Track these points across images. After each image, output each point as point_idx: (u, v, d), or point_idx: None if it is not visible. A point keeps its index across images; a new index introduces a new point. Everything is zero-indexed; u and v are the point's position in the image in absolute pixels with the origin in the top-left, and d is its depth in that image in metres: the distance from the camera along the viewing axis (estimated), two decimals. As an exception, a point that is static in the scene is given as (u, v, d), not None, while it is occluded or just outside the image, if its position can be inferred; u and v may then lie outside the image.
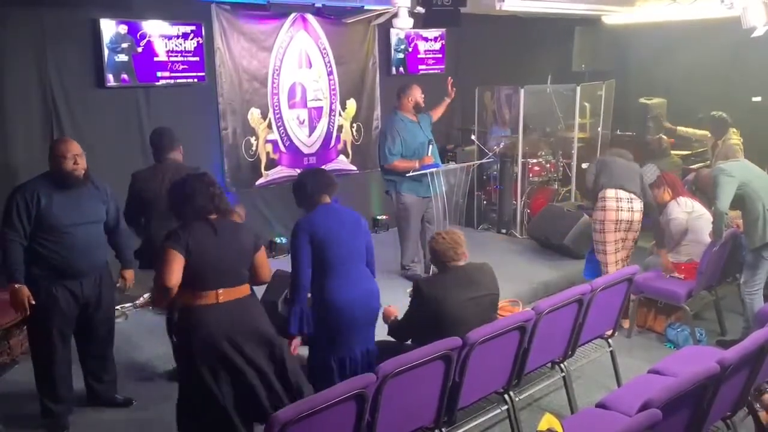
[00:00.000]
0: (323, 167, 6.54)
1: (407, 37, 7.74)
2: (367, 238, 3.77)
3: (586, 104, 7.89)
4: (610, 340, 4.36)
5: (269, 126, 6.67)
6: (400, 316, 3.83)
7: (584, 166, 7.38)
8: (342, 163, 7.36)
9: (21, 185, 3.73)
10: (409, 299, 3.68)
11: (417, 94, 5.68)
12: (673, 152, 7.37)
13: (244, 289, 3.19)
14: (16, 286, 3.62)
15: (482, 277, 3.68)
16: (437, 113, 6.10)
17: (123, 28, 5.44)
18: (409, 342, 3.77)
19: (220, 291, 3.08)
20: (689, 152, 7.71)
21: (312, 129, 7.04)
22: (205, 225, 3.12)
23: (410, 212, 5.76)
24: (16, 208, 3.62)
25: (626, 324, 5.18)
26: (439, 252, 3.61)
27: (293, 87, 6.84)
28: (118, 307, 5.41)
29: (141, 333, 5.12)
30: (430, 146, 5.72)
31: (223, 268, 3.10)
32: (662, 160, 6.72)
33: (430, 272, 5.51)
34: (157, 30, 5.65)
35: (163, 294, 3.05)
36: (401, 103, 5.71)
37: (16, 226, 3.61)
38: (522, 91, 7.21)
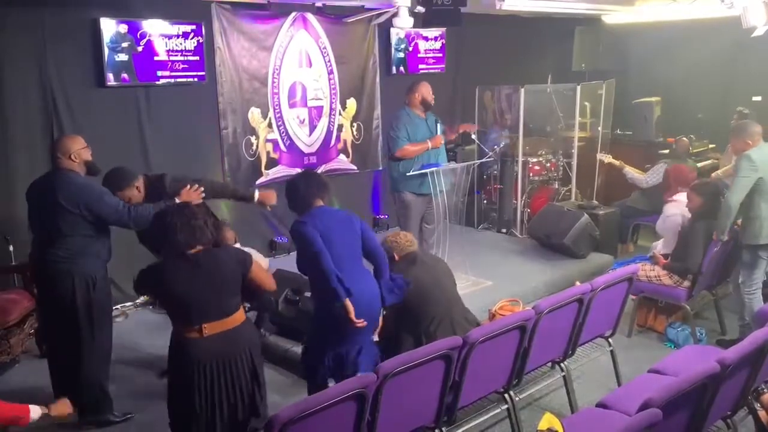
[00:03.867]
0: (317, 169, 6.56)
1: (407, 36, 7.74)
2: (368, 235, 3.74)
3: (587, 104, 7.89)
4: (610, 340, 4.36)
5: (269, 125, 6.67)
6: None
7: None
8: (342, 162, 7.35)
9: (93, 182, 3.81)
10: None
11: (424, 91, 5.76)
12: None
13: (231, 321, 3.12)
14: None
15: (427, 257, 4.31)
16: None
17: (123, 28, 5.44)
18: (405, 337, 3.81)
19: (205, 326, 3.04)
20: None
21: (312, 128, 7.04)
22: (183, 262, 3.04)
23: (410, 210, 5.77)
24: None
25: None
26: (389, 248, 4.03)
27: (293, 86, 6.84)
28: (118, 306, 5.44)
29: (141, 332, 5.13)
30: (438, 125, 5.75)
31: (204, 302, 3.05)
32: (678, 162, 6.62)
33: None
34: (157, 29, 5.65)
35: None
36: (409, 98, 5.83)
37: None
38: (522, 91, 7.22)
